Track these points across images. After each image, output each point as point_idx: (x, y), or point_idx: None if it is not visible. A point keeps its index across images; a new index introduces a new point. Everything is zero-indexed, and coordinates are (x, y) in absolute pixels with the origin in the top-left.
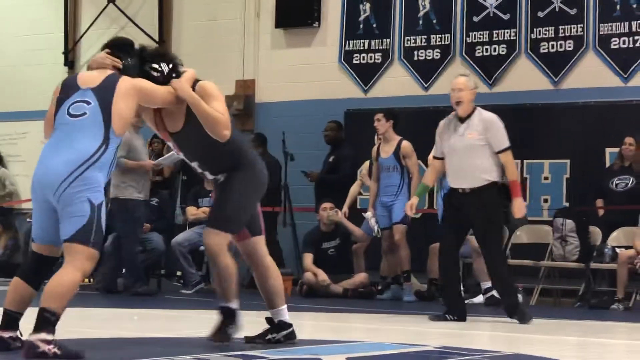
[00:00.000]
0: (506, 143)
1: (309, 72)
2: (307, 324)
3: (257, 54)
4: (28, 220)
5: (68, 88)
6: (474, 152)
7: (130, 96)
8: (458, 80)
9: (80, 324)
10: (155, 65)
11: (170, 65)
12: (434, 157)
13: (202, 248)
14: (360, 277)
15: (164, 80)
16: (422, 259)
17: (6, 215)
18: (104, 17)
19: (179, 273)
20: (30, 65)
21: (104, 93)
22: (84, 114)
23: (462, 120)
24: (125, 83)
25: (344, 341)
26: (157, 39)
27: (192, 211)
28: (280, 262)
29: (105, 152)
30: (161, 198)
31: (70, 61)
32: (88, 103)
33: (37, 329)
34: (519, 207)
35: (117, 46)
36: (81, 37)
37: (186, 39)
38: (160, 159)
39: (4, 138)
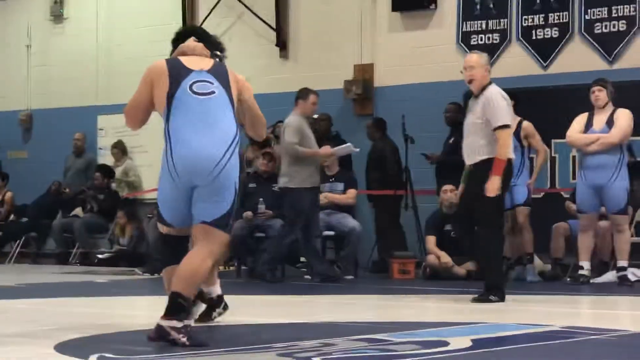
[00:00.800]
0: (500, 121)
1: (426, 55)
2: (432, 306)
3: (374, 38)
4: (149, 215)
5: (176, 70)
6: (474, 129)
7: (235, 85)
8: (470, 57)
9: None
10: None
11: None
12: None
13: (326, 233)
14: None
15: None
16: (545, 239)
17: (131, 206)
18: (221, 6)
19: (302, 259)
20: (150, 56)
21: (219, 76)
22: (213, 92)
23: (476, 97)
24: (232, 72)
25: (468, 323)
26: (274, 27)
27: None
28: (403, 245)
29: (239, 132)
30: None
31: None
32: (211, 83)
33: (169, 314)
34: (491, 186)
35: (205, 37)
36: (200, 26)
37: (303, 25)
38: (336, 148)
39: (127, 130)
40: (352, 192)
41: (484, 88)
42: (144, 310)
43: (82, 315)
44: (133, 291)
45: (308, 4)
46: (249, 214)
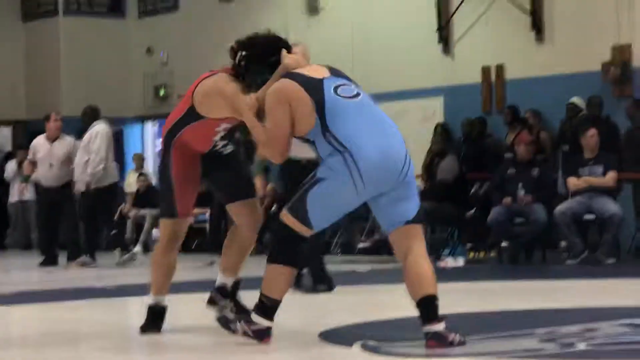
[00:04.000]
0: None
1: None
2: None
3: (632, 17)
4: None
5: (307, 82)
6: None
7: None
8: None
9: (467, 297)
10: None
11: (243, 53)
12: None
13: (586, 217)
14: None
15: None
16: None
17: None
18: None
19: (563, 243)
20: (404, 45)
21: (343, 76)
22: (358, 94)
23: None
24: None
25: None
26: (529, 9)
27: (573, 181)
28: None
29: None
30: (542, 168)
31: (444, 38)
32: (347, 85)
33: (435, 318)
34: None
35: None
36: (454, 12)
37: (559, 6)
38: None
39: None
40: (612, 175)
41: None
42: (406, 298)
43: (346, 304)
44: (394, 279)
45: None
46: (508, 199)
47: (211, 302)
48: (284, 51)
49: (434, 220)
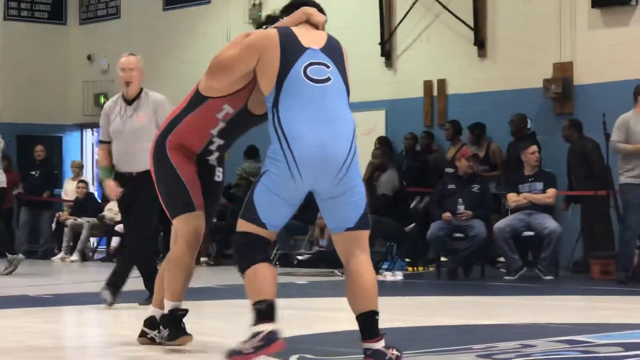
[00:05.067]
0: None
1: (627, 52)
2: (635, 307)
3: (574, 35)
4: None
5: (290, 47)
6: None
7: (348, 65)
8: (130, 59)
9: (405, 312)
10: None
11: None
12: None
13: (525, 233)
14: None
15: None
16: None
17: None
18: (418, 6)
19: (502, 259)
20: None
21: (335, 56)
22: (329, 79)
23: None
24: (345, 49)
25: None
26: (472, 26)
27: (512, 197)
28: (610, 244)
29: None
30: (482, 184)
31: (387, 52)
32: (327, 66)
33: (376, 336)
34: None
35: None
36: (397, 26)
37: (502, 24)
38: None
39: None
40: (551, 192)
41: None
42: (344, 312)
43: (283, 316)
44: (332, 292)
45: (506, 2)
46: (447, 214)
47: (141, 334)
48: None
49: (374, 234)
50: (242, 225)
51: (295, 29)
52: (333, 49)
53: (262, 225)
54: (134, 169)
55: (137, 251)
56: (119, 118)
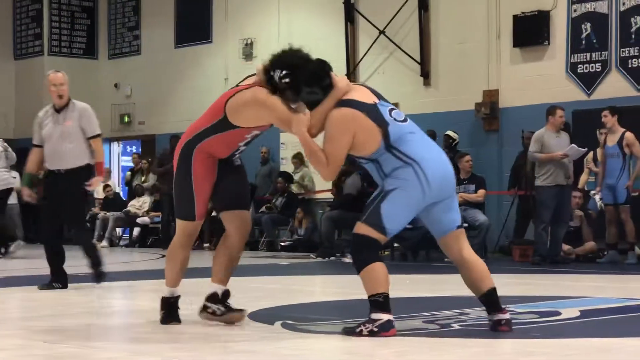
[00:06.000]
0: (98, 130)
1: (541, 82)
2: (547, 284)
3: (499, 68)
4: (320, 211)
5: (366, 109)
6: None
7: None
8: (58, 76)
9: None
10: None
11: (283, 73)
12: None
13: None
14: (590, 245)
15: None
16: None
17: (306, 204)
18: (376, 46)
19: None
20: None
21: (385, 99)
22: (406, 119)
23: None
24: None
25: (577, 297)
26: (419, 60)
27: None
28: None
29: None
30: None
31: (351, 81)
32: (395, 109)
33: (501, 307)
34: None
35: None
36: (359, 62)
37: (442, 59)
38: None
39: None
40: (481, 192)
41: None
42: (318, 287)
43: (269, 290)
44: (309, 271)
45: (446, 41)
46: None
47: (203, 309)
48: (334, 76)
49: (341, 226)
50: (364, 229)
51: (351, 97)
52: (380, 95)
53: (382, 230)
54: (62, 166)
55: (81, 236)
56: (50, 124)
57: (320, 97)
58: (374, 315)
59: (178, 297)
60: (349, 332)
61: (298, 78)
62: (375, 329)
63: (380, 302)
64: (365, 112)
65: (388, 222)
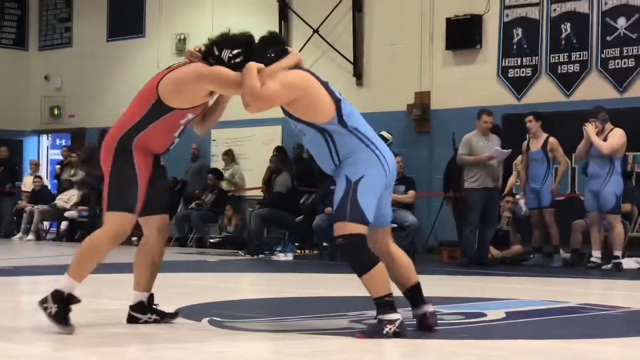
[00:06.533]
0: None
1: (472, 85)
2: (473, 285)
3: (431, 70)
4: (250, 209)
5: (323, 83)
6: None
7: None
8: None
9: (294, 285)
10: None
11: (234, 52)
12: None
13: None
14: (517, 247)
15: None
16: (566, 233)
17: (236, 201)
18: (310, 45)
19: None
20: None
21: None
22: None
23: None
24: None
25: (503, 299)
26: (351, 60)
27: None
28: (456, 234)
29: None
30: None
31: None
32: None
33: (425, 301)
34: None
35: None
36: None
37: (375, 59)
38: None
39: (233, 140)
40: (411, 193)
41: None
42: (246, 284)
43: (197, 287)
44: (237, 268)
45: (379, 43)
46: (329, 209)
47: (132, 320)
48: (290, 49)
49: (270, 224)
50: (351, 228)
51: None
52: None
53: (367, 222)
54: None
55: None
56: None
57: (275, 59)
58: (389, 317)
59: (76, 297)
60: (372, 333)
61: (253, 53)
62: (398, 330)
63: (390, 302)
64: (321, 83)
65: (368, 213)
